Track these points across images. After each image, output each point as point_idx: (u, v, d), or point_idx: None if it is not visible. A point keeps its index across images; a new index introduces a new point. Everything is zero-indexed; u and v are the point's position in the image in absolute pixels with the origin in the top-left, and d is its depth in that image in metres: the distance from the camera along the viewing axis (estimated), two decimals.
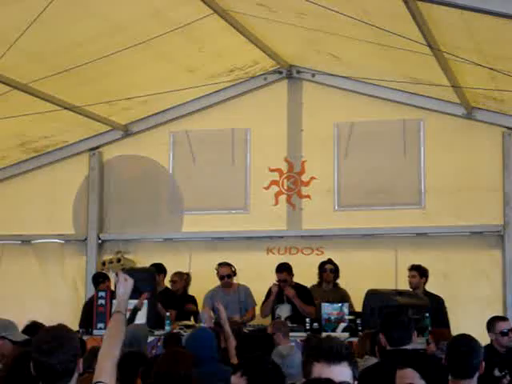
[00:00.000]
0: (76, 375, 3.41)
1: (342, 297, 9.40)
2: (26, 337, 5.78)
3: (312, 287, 9.63)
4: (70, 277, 11.56)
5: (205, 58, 9.83)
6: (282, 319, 8.90)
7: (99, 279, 10.02)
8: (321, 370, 3.14)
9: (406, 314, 5.94)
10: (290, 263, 10.20)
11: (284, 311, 9.30)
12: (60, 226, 11.54)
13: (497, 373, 5.98)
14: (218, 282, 9.61)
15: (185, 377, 4.80)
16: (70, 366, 3.37)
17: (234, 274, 9.52)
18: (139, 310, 8.35)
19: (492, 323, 7.01)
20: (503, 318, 7.33)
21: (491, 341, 6.94)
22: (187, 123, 11.29)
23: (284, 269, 9.40)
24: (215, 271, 9.50)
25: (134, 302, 8.99)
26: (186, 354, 5.28)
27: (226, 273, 9.45)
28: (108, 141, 11.58)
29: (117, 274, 3.95)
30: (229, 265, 9.52)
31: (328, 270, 9.61)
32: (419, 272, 9.29)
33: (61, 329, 3.50)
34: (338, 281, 9.73)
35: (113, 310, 4.01)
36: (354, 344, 7.07)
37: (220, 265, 9.52)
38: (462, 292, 9.88)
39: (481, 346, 4.64)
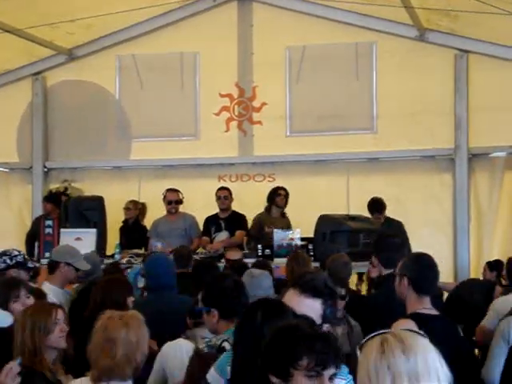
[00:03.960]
0: None
1: (288, 226, 9.39)
2: (90, 266, 6.25)
3: (260, 214, 9.55)
4: (15, 206, 11.33)
5: None
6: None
7: (44, 199, 9.89)
8: (292, 296, 3.25)
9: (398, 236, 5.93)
10: (242, 190, 10.20)
11: (222, 239, 9.33)
12: (4, 154, 11.23)
13: None
14: None
15: (118, 302, 4.84)
16: None
17: (181, 201, 9.39)
18: None
19: None
20: None
21: None
22: (134, 47, 10.95)
23: (226, 188, 9.64)
24: (162, 196, 9.37)
25: (84, 230, 8.85)
26: (121, 280, 5.50)
27: (174, 198, 9.33)
28: (51, 65, 11.20)
29: None
30: (177, 191, 9.39)
31: (282, 195, 9.53)
32: (379, 211, 9.31)
33: None
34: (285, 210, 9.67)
35: None
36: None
37: (168, 190, 9.38)
38: (414, 216, 9.91)
39: None
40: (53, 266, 6.10)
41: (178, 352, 4.40)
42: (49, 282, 6.05)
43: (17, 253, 5.98)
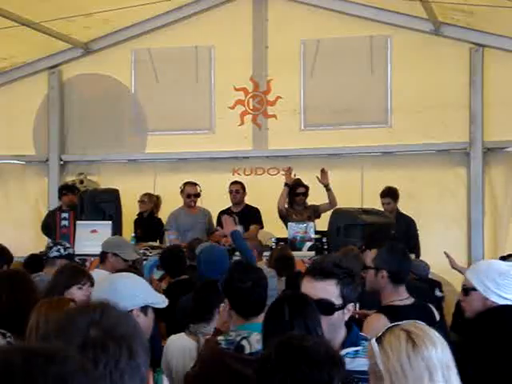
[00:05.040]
0: None
1: (315, 210, 9.38)
2: (138, 256, 6.40)
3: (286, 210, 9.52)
4: (32, 199, 11.39)
5: None
6: None
7: (63, 191, 9.83)
8: (306, 284, 3.25)
9: None
10: (256, 184, 10.23)
11: None
12: (20, 146, 11.31)
13: (438, 293, 6.08)
14: (182, 203, 9.50)
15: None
16: None
17: (199, 195, 9.42)
18: None
19: None
20: None
21: None
22: (149, 41, 10.98)
23: (238, 182, 9.64)
24: (180, 189, 9.35)
25: (100, 222, 8.89)
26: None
27: (193, 192, 9.32)
28: (68, 59, 11.26)
29: None
30: (195, 184, 9.39)
31: (300, 195, 9.46)
32: (393, 198, 9.23)
33: None
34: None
35: None
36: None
37: (187, 183, 9.38)
38: (428, 210, 9.90)
39: None
40: (102, 256, 6.43)
41: (178, 344, 4.50)
42: (100, 269, 6.41)
43: (68, 245, 6.27)
